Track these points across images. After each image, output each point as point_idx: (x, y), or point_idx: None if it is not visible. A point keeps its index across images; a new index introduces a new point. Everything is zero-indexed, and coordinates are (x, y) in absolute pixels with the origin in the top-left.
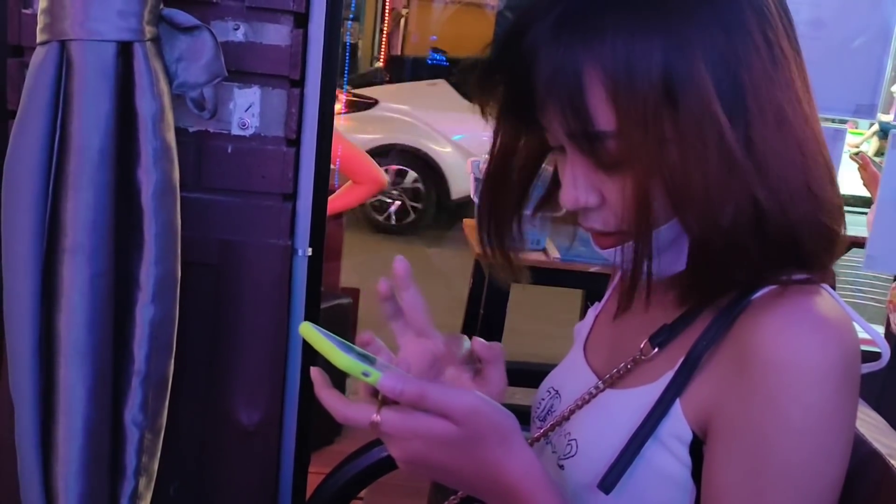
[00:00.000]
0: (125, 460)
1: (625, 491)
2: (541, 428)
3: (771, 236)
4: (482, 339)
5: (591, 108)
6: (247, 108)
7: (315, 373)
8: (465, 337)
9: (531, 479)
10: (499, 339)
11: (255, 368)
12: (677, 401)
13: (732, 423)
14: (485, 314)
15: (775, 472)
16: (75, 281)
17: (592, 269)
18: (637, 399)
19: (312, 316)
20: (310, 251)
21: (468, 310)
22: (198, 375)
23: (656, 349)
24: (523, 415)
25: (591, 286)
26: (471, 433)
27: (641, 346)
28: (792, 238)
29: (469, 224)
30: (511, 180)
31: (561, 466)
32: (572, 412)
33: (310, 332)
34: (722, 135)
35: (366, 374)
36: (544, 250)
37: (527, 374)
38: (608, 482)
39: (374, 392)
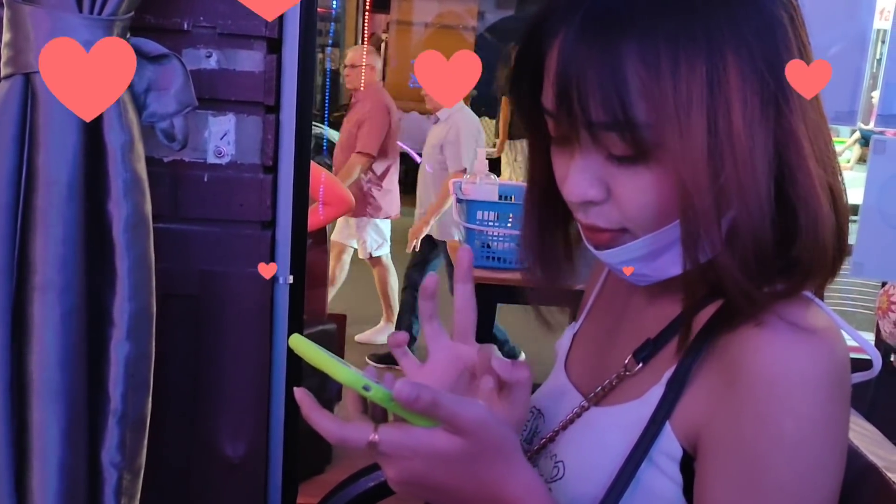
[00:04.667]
0: (103, 503)
1: None
2: (528, 451)
3: (775, 246)
4: (505, 359)
5: (628, 97)
6: (222, 136)
7: (301, 394)
8: (496, 349)
9: (534, 499)
10: None
11: (238, 399)
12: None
13: (724, 439)
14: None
15: (771, 488)
16: (47, 319)
17: (578, 288)
18: (624, 417)
19: None
20: (290, 279)
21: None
22: (180, 409)
23: (640, 364)
24: None
25: (576, 304)
26: (475, 447)
27: (626, 361)
28: (806, 248)
29: (453, 246)
30: (554, 195)
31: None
32: (557, 433)
33: (301, 344)
34: (754, 133)
35: (366, 389)
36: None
37: None
38: None
39: (364, 411)
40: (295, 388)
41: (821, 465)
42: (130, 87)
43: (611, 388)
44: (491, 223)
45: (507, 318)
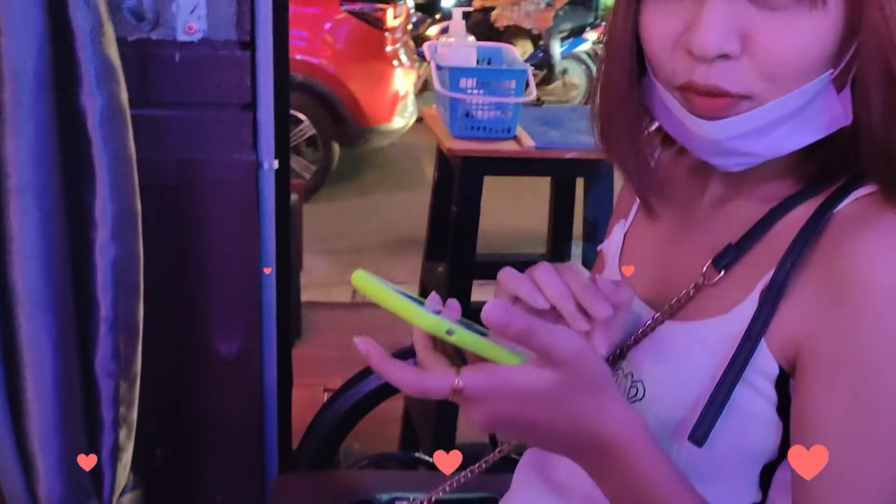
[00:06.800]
0: (102, 413)
1: (711, 438)
2: None
3: None
4: (609, 279)
5: None
6: (192, 10)
7: (366, 345)
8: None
9: (632, 433)
10: (474, 238)
11: (228, 295)
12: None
13: (835, 354)
14: (459, 211)
15: (886, 405)
16: (25, 224)
17: (569, 156)
18: (709, 333)
19: (283, 233)
20: (276, 163)
21: (434, 208)
22: (168, 309)
23: (722, 272)
24: None
25: (566, 173)
26: (570, 381)
27: (704, 269)
28: None
29: (430, 114)
30: (632, 58)
31: None
32: (627, 348)
33: (367, 283)
34: None
35: (450, 333)
36: (515, 138)
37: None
38: (699, 434)
39: (435, 347)
40: (357, 339)
41: None
42: None
43: (687, 300)
44: (472, 91)
45: (493, 189)
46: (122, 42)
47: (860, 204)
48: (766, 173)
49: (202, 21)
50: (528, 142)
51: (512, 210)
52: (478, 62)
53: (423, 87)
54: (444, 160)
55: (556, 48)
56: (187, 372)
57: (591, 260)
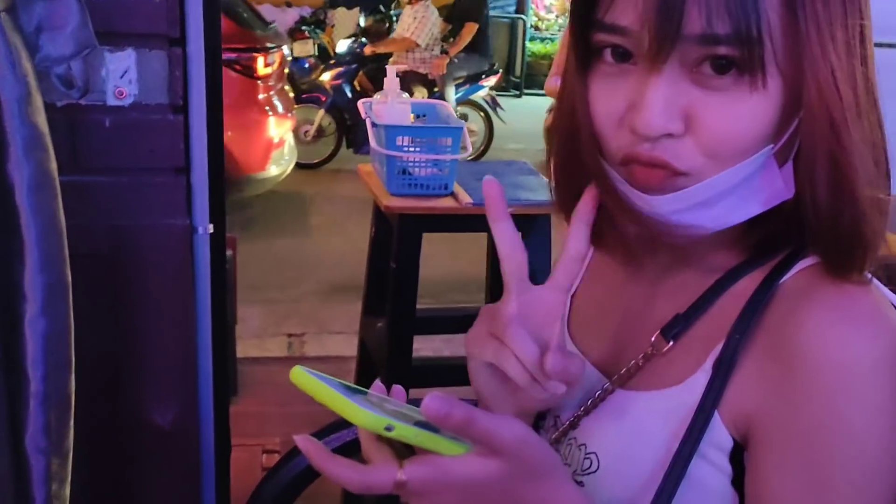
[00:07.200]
0: (33, 491)
1: None
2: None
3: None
4: (557, 352)
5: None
6: (122, 75)
7: (306, 443)
8: None
9: None
10: (414, 294)
11: (163, 363)
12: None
13: (784, 430)
14: (398, 268)
15: (840, 483)
16: None
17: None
18: (662, 404)
19: (219, 297)
20: (211, 228)
21: (372, 264)
22: (101, 379)
23: (671, 343)
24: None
25: None
26: (514, 468)
27: (653, 339)
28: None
29: (366, 170)
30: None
31: (579, 482)
32: (580, 417)
33: (305, 379)
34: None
35: (389, 429)
36: (453, 195)
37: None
38: None
39: (378, 438)
40: (297, 437)
41: (888, 452)
42: (20, 29)
43: (637, 369)
44: (408, 148)
45: (431, 238)
46: (50, 108)
47: (804, 275)
48: (712, 244)
49: (133, 85)
50: (466, 198)
51: (450, 258)
52: (414, 118)
53: (319, 134)
54: (380, 216)
55: (451, 94)
56: (122, 445)
57: None
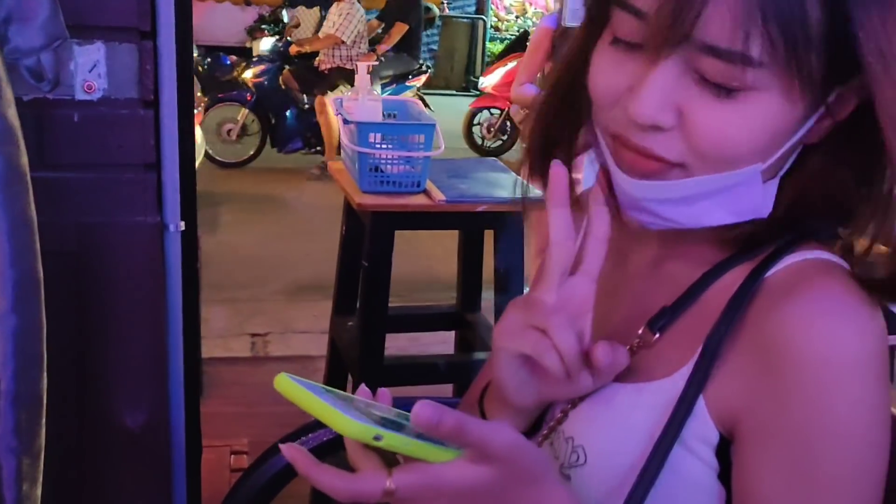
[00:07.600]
0: (3, 492)
1: None
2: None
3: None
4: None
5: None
6: (91, 68)
7: (292, 452)
8: None
9: None
10: (386, 292)
11: (133, 363)
12: (701, 400)
13: (770, 425)
14: (370, 266)
15: (826, 477)
16: None
17: (479, 209)
18: (651, 397)
19: (190, 297)
20: (182, 225)
21: (343, 263)
22: (70, 379)
23: (657, 335)
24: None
25: (477, 226)
26: (506, 473)
27: (640, 332)
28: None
29: (337, 168)
30: (577, 91)
31: (566, 476)
32: (567, 411)
33: (290, 387)
34: None
35: (377, 438)
36: (425, 192)
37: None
38: (635, 499)
39: (366, 445)
40: (283, 446)
41: (873, 446)
42: None
43: None
44: (380, 145)
45: (402, 236)
46: (18, 102)
47: (790, 270)
48: (700, 237)
49: (102, 79)
50: (438, 195)
51: (421, 256)
52: (384, 116)
53: (243, 132)
54: (352, 214)
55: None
56: (93, 446)
57: (503, 310)
